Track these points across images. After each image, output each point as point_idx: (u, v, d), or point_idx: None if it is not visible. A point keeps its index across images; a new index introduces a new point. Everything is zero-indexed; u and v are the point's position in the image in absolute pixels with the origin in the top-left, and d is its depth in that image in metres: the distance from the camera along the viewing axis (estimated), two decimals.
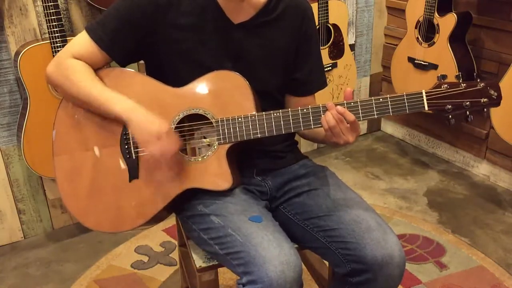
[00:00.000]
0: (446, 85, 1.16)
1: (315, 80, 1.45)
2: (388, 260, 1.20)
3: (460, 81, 1.17)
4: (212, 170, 1.27)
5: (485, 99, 1.16)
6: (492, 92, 1.16)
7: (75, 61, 1.30)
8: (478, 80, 1.16)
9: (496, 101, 1.16)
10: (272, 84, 1.37)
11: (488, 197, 2.59)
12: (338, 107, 1.18)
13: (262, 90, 1.31)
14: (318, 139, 1.40)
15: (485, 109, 1.17)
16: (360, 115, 1.19)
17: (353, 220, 1.26)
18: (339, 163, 2.97)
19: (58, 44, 1.94)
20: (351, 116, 1.17)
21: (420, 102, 1.17)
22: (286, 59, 1.38)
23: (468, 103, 1.16)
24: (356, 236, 1.23)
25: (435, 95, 1.16)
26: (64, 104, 1.34)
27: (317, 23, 2.50)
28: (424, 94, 1.17)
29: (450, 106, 1.16)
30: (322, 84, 1.48)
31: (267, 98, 1.34)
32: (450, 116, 1.18)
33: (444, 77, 1.17)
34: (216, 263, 1.33)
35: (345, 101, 1.19)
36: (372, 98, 1.18)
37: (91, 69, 1.31)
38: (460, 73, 1.19)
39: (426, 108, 1.17)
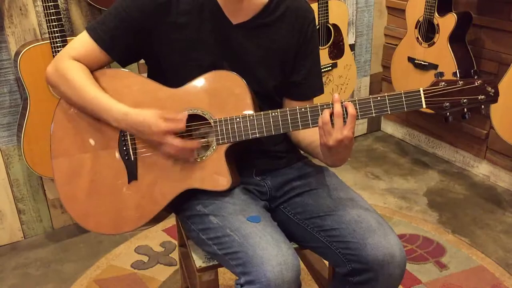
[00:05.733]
0: (443, 83, 1.16)
1: (311, 84, 1.42)
2: (389, 259, 1.20)
3: (457, 78, 1.17)
4: (211, 171, 1.27)
5: (483, 96, 1.16)
6: (489, 89, 1.16)
7: (73, 63, 1.29)
8: (475, 77, 1.16)
9: (493, 98, 1.16)
10: (269, 86, 1.36)
11: (488, 197, 2.59)
12: (345, 102, 1.16)
13: (259, 91, 1.31)
14: (310, 148, 1.35)
15: (482, 106, 1.17)
16: (358, 113, 1.18)
17: (354, 220, 1.26)
18: None
19: (58, 44, 1.94)
20: (352, 110, 1.15)
21: (418, 100, 1.17)
22: (284, 60, 1.37)
23: (465, 100, 1.16)
24: (357, 236, 1.23)
25: (432, 93, 1.16)
26: (61, 106, 1.33)
27: (317, 23, 2.50)
28: (421, 91, 1.17)
29: (447, 104, 1.16)
30: (319, 89, 1.45)
31: (265, 100, 1.33)
32: (448, 114, 1.18)
33: (441, 74, 1.17)
34: (216, 263, 1.33)
35: (346, 100, 1.18)
36: (370, 96, 1.18)
37: (88, 71, 1.30)
38: (457, 69, 1.19)
39: (424, 105, 1.17)
